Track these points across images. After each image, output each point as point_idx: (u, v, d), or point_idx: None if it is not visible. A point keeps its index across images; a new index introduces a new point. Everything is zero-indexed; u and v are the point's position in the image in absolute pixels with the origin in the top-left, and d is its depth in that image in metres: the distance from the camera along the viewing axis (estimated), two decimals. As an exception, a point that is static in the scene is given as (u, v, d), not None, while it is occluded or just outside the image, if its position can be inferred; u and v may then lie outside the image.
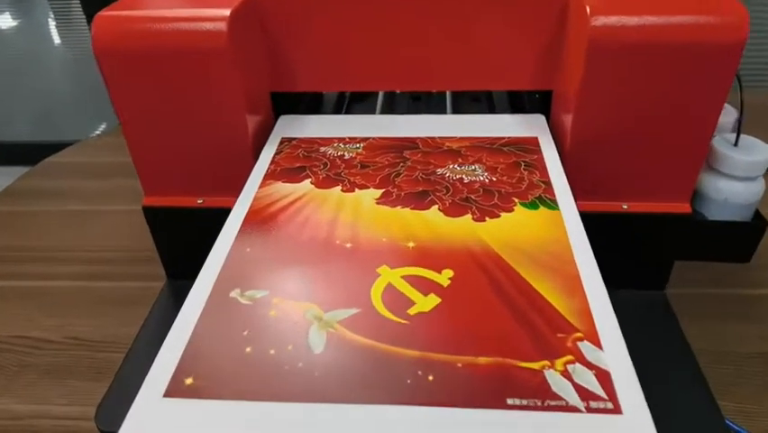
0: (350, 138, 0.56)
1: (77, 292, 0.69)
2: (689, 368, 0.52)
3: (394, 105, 0.78)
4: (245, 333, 0.35)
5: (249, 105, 0.53)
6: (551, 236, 0.42)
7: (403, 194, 0.47)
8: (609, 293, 0.37)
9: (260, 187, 0.49)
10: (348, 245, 0.42)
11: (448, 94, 0.78)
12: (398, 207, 0.46)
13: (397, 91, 0.78)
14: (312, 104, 0.74)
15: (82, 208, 0.86)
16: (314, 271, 0.40)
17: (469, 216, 0.44)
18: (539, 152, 0.52)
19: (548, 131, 0.56)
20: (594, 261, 0.40)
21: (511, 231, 0.43)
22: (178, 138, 0.54)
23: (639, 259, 0.58)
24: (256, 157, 0.54)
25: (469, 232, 0.43)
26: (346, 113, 0.77)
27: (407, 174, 0.50)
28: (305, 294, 0.38)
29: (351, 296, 0.38)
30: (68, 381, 0.58)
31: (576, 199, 0.46)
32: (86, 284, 0.71)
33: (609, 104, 0.49)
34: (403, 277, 0.39)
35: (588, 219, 0.44)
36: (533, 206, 0.45)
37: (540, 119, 0.58)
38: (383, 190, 0.48)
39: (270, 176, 0.51)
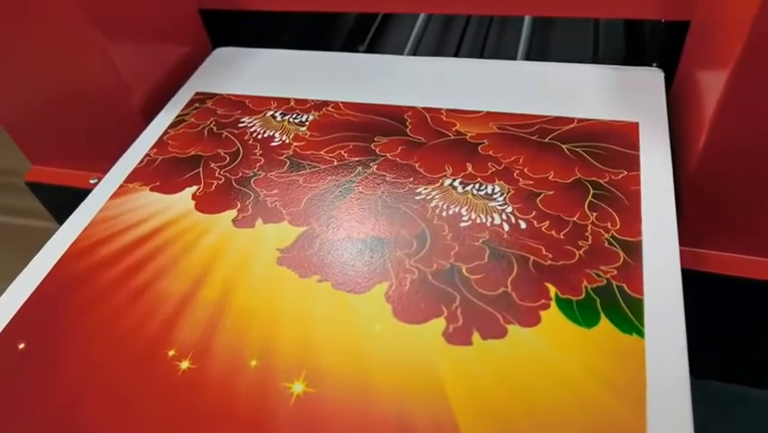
0: (297, 101, 0.33)
1: None
2: None
3: (450, 28, 0.51)
4: None
5: (112, 32, 0.31)
6: (614, 418, 0.18)
7: (335, 241, 0.25)
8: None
9: (113, 196, 0.29)
10: (184, 366, 0.21)
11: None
12: (314, 278, 0.24)
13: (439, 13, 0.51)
14: (314, 26, 0.49)
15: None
16: None
17: (441, 321, 0.21)
18: (635, 158, 0.26)
19: (664, 105, 0.29)
20: None
21: (520, 388, 0.19)
22: (37, 90, 0.35)
23: (757, 344, 0.32)
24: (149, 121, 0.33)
25: (423, 380, 0.20)
26: (370, 44, 0.52)
27: (362, 191, 0.27)
28: None
29: None
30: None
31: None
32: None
33: None
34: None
35: (692, 279, 0.21)
36: (586, 312, 0.21)
37: (655, 79, 0.30)
38: (303, 230, 0.26)
39: (140, 173, 0.30)
